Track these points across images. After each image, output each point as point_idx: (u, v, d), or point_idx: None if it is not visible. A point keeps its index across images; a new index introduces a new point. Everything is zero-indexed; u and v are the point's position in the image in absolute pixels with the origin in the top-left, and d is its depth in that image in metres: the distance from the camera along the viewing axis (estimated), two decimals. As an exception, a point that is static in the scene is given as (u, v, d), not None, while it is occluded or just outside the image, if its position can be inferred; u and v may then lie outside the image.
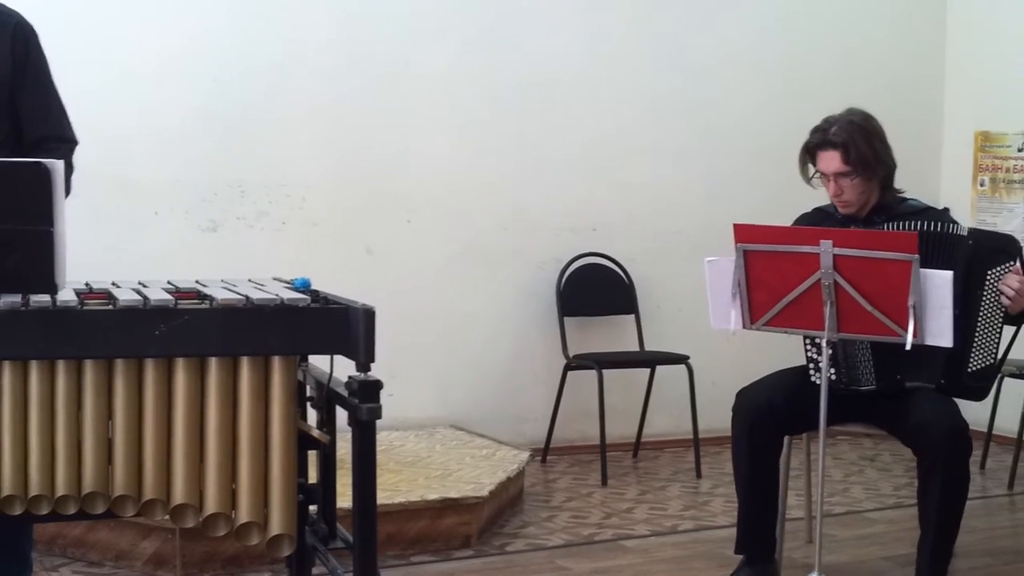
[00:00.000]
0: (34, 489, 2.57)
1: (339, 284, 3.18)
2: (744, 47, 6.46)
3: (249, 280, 3.07)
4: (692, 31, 6.35)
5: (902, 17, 6.86)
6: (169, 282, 2.99)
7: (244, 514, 2.66)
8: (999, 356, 3.89)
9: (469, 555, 4.46)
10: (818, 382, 3.72)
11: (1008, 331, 4.00)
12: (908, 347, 3.46)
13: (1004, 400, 5.53)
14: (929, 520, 3.79)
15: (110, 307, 2.60)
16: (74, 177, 3.38)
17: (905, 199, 4.04)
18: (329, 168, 5.62)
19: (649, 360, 5.98)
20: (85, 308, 2.58)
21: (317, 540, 2.96)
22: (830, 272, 3.49)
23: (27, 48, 3.41)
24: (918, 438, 3.80)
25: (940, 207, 4.15)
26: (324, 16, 5.59)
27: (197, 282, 3.02)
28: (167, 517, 2.67)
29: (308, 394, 2.98)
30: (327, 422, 2.91)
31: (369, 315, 2.65)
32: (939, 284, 3.44)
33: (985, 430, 5.84)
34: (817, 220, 4.06)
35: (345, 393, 2.70)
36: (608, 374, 5.64)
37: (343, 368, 2.74)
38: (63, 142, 3.45)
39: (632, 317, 6.15)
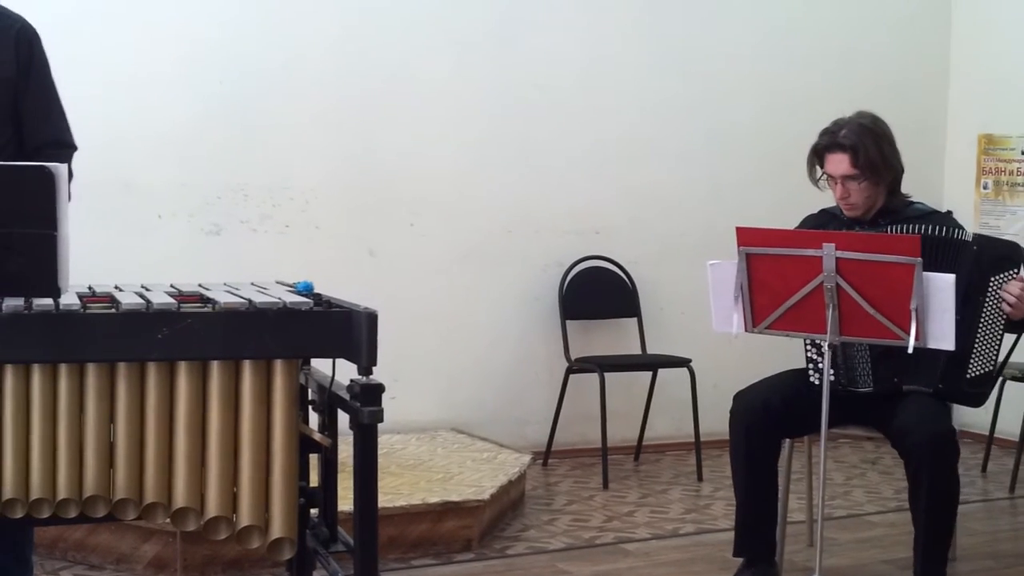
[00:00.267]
0: (35, 492, 2.57)
1: (342, 287, 3.18)
2: (747, 50, 6.46)
3: (252, 283, 3.07)
4: (695, 34, 6.35)
5: (906, 20, 6.86)
6: (172, 285, 2.99)
7: (245, 517, 2.66)
8: (998, 363, 3.89)
9: (470, 558, 4.46)
10: (818, 383, 3.71)
11: (1008, 338, 3.99)
12: (910, 350, 3.46)
13: (1005, 403, 5.53)
14: (920, 523, 3.79)
15: (113, 311, 2.60)
16: (78, 180, 3.38)
17: (911, 203, 4.04)
18: (332, 172, 5.63)
19: (651, 363, 5.99)
20: (88, 311, 2.58)
21: (318, 543, 2.96)
22: (832, 275, 3.49)
23: (30, 52, 3.41)
24: (902, 441, 3.81)
25: (943, 210, 4.15)
26: (328, 20, 5.60)
27: (200, 285, 3.02)
28: (168, 521, 2.67)
29: (310, 397, 2.98)
30: (329, 425, 2.92)
31: (371, 318, 2.65)
32: (941, 287, 3.44)
33: (986, 433, 5.85)
34: (823, 222, 4.06)
35: (347, 396, 2.70)
36: (610, 377, 5.64)
37: (345, 371, 2.75)
38: (63, 147, 3.45)
39: (634, 320, 6.15)
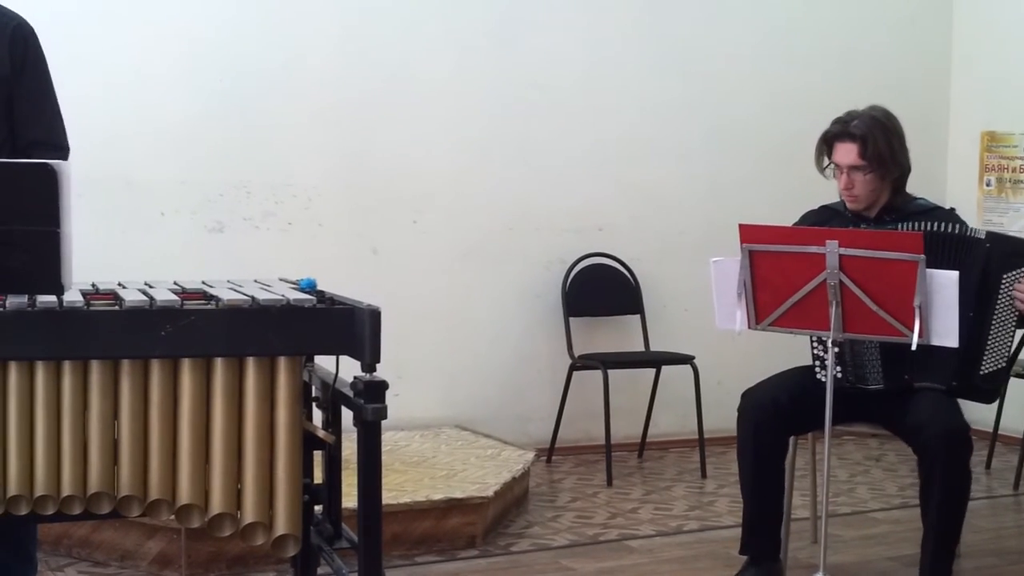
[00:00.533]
0: (40, 489, 2.58)
1: (345, 285, 3.19)
2: (748, 48, 6.45)
3: (255, 281, 3.07)
4: (696, 33, 6.34)
5: (907, 18, 6.85)
6: (175, 283, 3.00)
7: (249, 514, 2.67)
8: (1010, 359, 3.89)
9: (474, 555, 4.46)
10: (824, 380, 3.71)
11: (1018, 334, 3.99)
12: (914, 347, 3.46)
13: (1010, 401, 5.53)
14: (931, 520, 3.79)
15: (116, 308, 2.61)
16: (80, 177, 3.36)
17: (914, 199, 4.04)
18: (335, 169, 5.63)
19: (654, 360, 5.98)
20: (91, 309, 2.58)
21: (322, 540, 2.96)
22: (836, 272, 3.49)
23: (26, 50, 3.36)
24: (917, 438, 3.80)
25: (946, 207, 4.15)
26: (330, 18, 5.60)
27: (203, 283, 3.02)
28: (172, 517, 2.68)
29: (314, 394, 2.98)
30: (332, 422, 2.92)
31: (375, 316, 2.65)
32: (945, 284, 3.43)
33: (991, 430, 5.84)
34: (824, 218, 4.06)
35: (350, 393, 2.70)
36: (613, 374, 5.64)
37: (349, 368, 2.75)
38: (53, 148, 3.38)
39: (637, 317, 6.15)
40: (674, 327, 6.19)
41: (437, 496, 4.49)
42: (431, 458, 5.13)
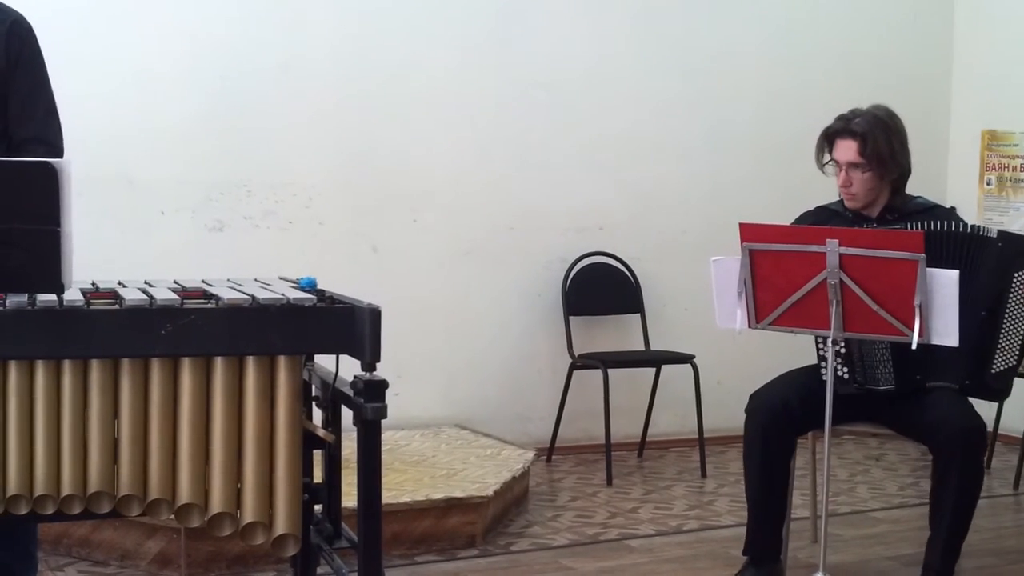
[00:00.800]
0: (40, 489, 2.58)
1: (345, 283, 3.19)
2: (749, 48, 6.45)
3: (255, 279, 3.07)
4: (697, 31, 6.34)
5: (908, 16, 6.85)
6: (175, 281, 3.00)
7: (249, 514, 2.66)
8: (1021, 357, 3.89)
9: (474, 554, 4.46)
10: (826, 379, 3.71)
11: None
12: (914, 346, 3.46)
13: (1010, 400, 5.49)
14: (943, 517, 3.78)
15: (116, 307, 2.60)
16: (81, 176, 3.36)
17: (913, 198, 4.03)
18: (335, 168, 5.63)
19: (654, 360, 5.98)
20: (91, 308, 2.58)
21: (322, 539, 2.96)
22: (836, 271, 3.49)
23: (22, 46, 3.34)
24: (935, 436, 3.80)
25: (947, 206, 4.15)
26: (330, 16, 5.59)
27: (203, 281, 3.02)
28: (172, 517, 2.67)
29: (314, 393, 2.98)
30: (332, 421, 2.92)
31: (375, 315, 2.65)
32: (945, 283, 3.43)
33: (991, 430, 5.83)
34: (822, 219, 4.05)
35: (350, 392, 2.70)
36: (613, 373, 5.64)
37: (349, 367, 2.75)
38: (46, 145, 3.36)
39: (638, 316, 6.15)
40: (674, 326, 6.19)
41: (437, 495, 4.49)
42: (431, 457, 5.13)
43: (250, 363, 2.65)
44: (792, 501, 4.19)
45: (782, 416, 3.92)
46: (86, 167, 3.53)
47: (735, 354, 5.83)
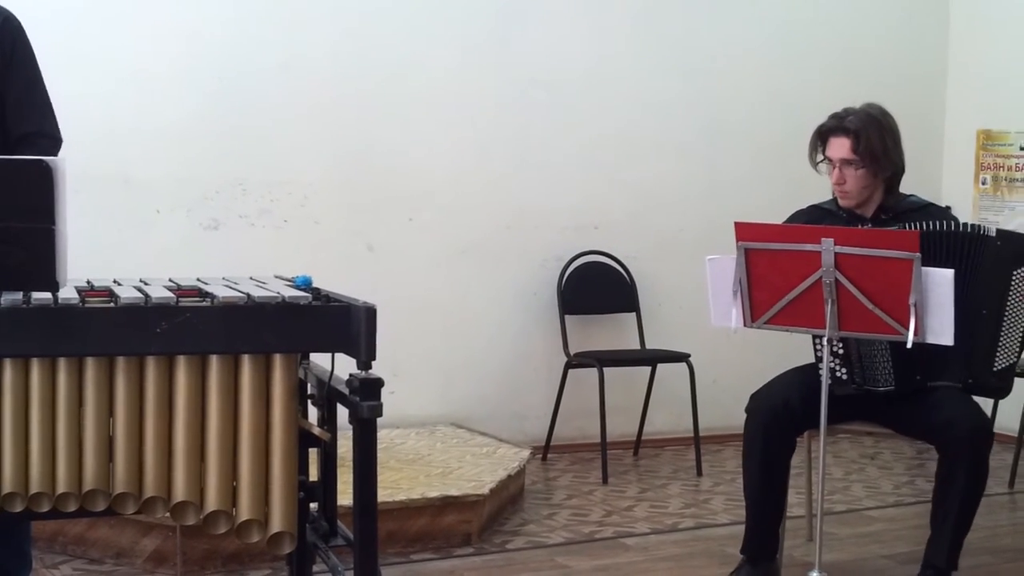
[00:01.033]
0: (35, 486, 2.57)
1: (341, 282, 3.18)
2: (746, 46, 6.46)
3: (251, 278, 3.07)
4: (694, 30, 6.35)
5: (904, 15, 6.86)
6: (171, 280, 3.00)
7: (245, 511, 2.66)
8: (1020, 353, 3.90)
9: (470, 553, 4.46)
10: (830, 382, 3.71)
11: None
12: (909, 345, 3.46)
13: (1006, 399, 5.50)
14: (948, 515, 3.78)
15: (111, 305, 2.60)
16: (76, 174, 3.36)
17: (907, 196, 4.04)
18: (331, 166, 5.63)
19: (650, 358, 5.99)
20: (86, 306, 2.58)
21: (318, 538, 2.96)
22: (831, 270, 3.49)
23: (13, 43, 3.36)
24: (944, 435, 3.79)
25: (943, 205, 4.15)
26: (327, 15, 5.59)
27: (199, 280, 3.02)
28: (168, 515, 2.67)
29: (309, 392, 2.98)
30: (328, 420, 2.92)
31: (370, 313, 2.65)
32: (940, 282, 3.44)
33: (987, 429, 5.84)
34: (816, 218, 4.05)
35: (346, 391, 2.70)
36: (609, 372, 5.64)
37: (344, 366, 2.75)
38: (45, 138, 3.41)
39: (633, 315, 6.15)
40: (670, 325, 6.19)
41: (433, 494, 4.49)
42: (427, 456, 5.13)
43: (246, 361, 2.65)
44: (787, 500, 4.19)
45: (783, 416, 3.92)
46: (82, 165, 3.54)
47: (731, 353, 5.84)
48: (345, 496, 2.81)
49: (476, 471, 4.86)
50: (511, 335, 6.02)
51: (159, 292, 2.72)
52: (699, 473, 5.74)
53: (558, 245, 6.07)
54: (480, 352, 5.94)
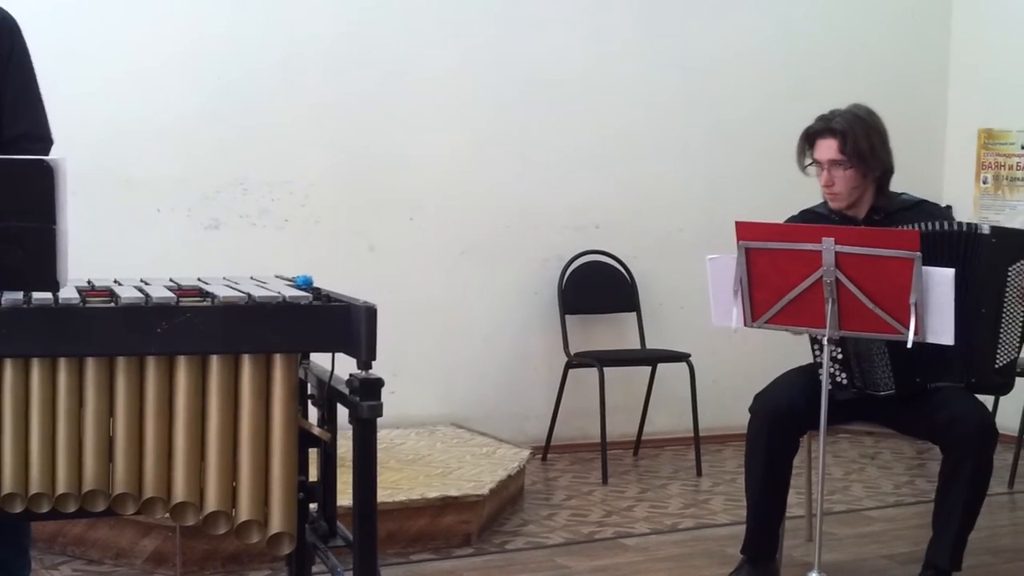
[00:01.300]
0: (35, 487, 2.57)
1: (341, 282, 3.18)
2: (747, 45, 6.46)
3: (251, 278, 3.07)
4: (695, 29, 6.35)
5: (905, 14, 6.86)
6: (171, 280, 2.99)
7: (244, 512, 2.66)
8: (1020, 348, 3.90)
9: (469, 553, 4.46)
10: (831, 386, 3.71)
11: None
12: (909, 344, 3.46)
13: (1005, 399, 5.50)
14: (953, 514, 3.78)
15: (112, 305, 2.60)
16: (77, 174, 3.36)
17: (899, 195, 4.04)
18: (332, 166, 5.62)
19: (650, 358, 5.98)
20: (87, 306, 2.57)
21: (317, 538, 2.96)
22: (832, 270, 3.49)
23: (11, 43, 3.35)
24: (949, 434, 3.79)
25: (943, 204, 4.15)
26: (328, 14, 5.59)
27: (199, 280, 3.02)
28: (167, 515, 2.67)
29: (309, 392, 2.98)
30: (328, 420, 2.91)
31: (371, 313, 2.64)
32: (941, 281, 3.44)
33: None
34: (808, 221, 4.04)
35: (346, 391, 2.70)
36: (609, 372, 5.64)
37: (344, 366, 2.74)
38: (38, 140, 3.39)
39: (634, 315, 6.15)
40: (670, 325, 6.19)
41: (432, 494, 4.49)
42: (427, 456, 5.13)
43: (246, 361, 2.64)
44: (787, 500, 4.19)
45: (788, 416, 3.92)
46: (83, 165, 3.54)
47: (731, 353, 5.84)
48: (345, 496, 2.81)
49: (476, 471, 4.85)
50: (511, 335, 6.01)
51: (160, 292, 2.71)
52: (699, 473, 5.74)
53: (558, 245, 6.07)
54: (480, 352, 5.94)
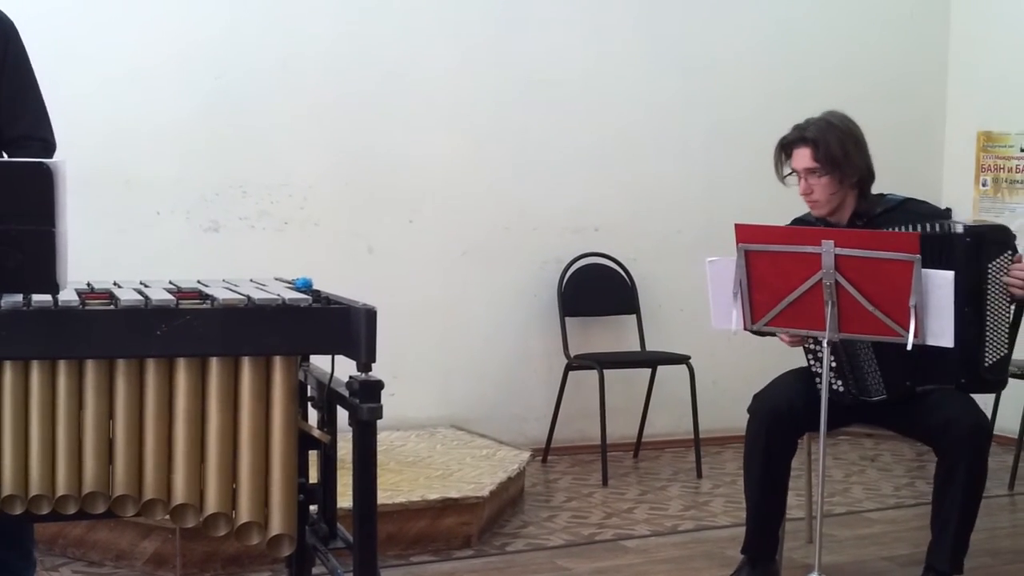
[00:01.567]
0: (35, 489, 2.57)
1: (341, 284, 3.18)
2: (746, 47, 6.46)
3: (251, 280, 3.07)
4: (694, 30, 6.35)
5: (905, 17, 6.86)
6: (171, 282, 2.99)
7: (244, 514, 2.66)
8: (1011, 343, 3.89)
9: (469, 555, 4.46)
10: (829, 387, 3.71)
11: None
12: (909, 347, 3.46)
13: (1005, 400, 5.53)
14: (950, 517, 3.78)
15: (112, 307, 2.60)
16: (76, 176, 3.35)
17: (883, 197, 4.03)
18: (331, 168, 5.62)
19: (650, 360, 5.98)
20: (87, 308, 2.58)
21: (317, 540, 2.96)
22: (831, 272, 3.49)
23: (7, 45, 3.35)
24: (943, 436, 3.79)
25: (942, 207, 4.14)
26: (327, 15, 5.59)
27: (199, 282, 3.02)
28: (167, 517, 2.67)
29: (309, 394, 2.98)
30: (328, 422, 2.92)
31: (370, 315, 2.65)
32: (940, 284, 3.44)
33: (986, 430, 5.83)
34: None
35: (346, 393, 2.70)
36: (609, 374, 5.64)
37: (344, 368, 2.75)
38: (38, 141, 3.40)
39: (633, 317, 6.15)
40: (670, 327, 6.19)
41: (432, 496, 4.49)
42: (427, 458, 5.13)
43: (246, 363, 2.65)
44: (787, 501, 4.19)
45: (786, 417, 3.92)
46: (81, 168, 3.54)
47: (731, 355, 5.84)
48: (345, 498, 2.81)
49: (476, 473, 4.85)
50: (511, 337, 6.01)
51: (159, 294, 2.72)
52: (699, 475, 5.74)
53: (558, 247, 6.07)
54: (480, 354, 5.93)
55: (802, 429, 4.04)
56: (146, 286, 2.89)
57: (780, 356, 4.34)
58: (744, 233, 3.62)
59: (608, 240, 6.16)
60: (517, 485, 5.09)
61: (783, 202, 4.36)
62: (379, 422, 2.68)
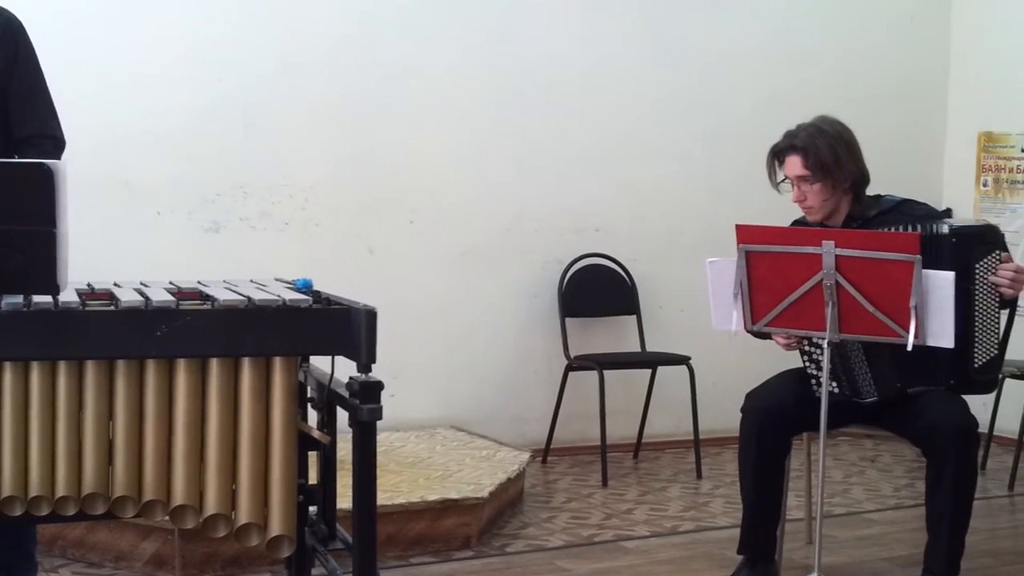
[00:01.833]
0: (34, 490, 2.57)
1: (341, 285, 3.18)
2: (747, 48, 6.46)
3: (251, 281, 3.07)
4: (695, 31, 6.35)
5: (905, 17, 6.86)
6: (171, 283, 2.99)
7: (244, 515, 2.66)
8: (1001, 344, 3.89)
9: (469, 556, 4.46)
10: (819, 394, 3.71)
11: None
12: (909, 347, 3.46)
13: (1005, 401, 5.53)
14: (943, 520, 3.77)
15: (112, 308, 2.60)
16: (77, 177, 3.35)
17: (879, 197, 4.03)
18: (332, 169, 5.63)
19: (650, 361, 5.98)
20: (87, 309, 2.58)
21: (317, 541, 2.96)
22: (832, 273, 3.50)
23: (16, 45, 3.38)
24: (930, 439, 3.79)
25: (943, 207, 4.13)
26: (328, 17, 5.59)
27: (199, 283, 3.02)
28: (167, 518, 2.67)
29: (309, 395, 2.98)
30: (328, 423, 2.92)
31: (371, 316, 2.65)
32: (940, 285, 3.44)
33: (986, 431, 5.84)
34: None
35: (346, 394, 2.70)
36: (609, 375, 5.64)
37: (344, 369, 2.75)
38: (48, 140, 3.43)
39: (634, 318, 6.15)
40: (670, 328, 6.19)
41: (432, 497, 4.49)
42: (426, 459, 5.13)
43: (246, 364, 2.64)
44: (787, 502, 4.20)
45: (777, 417, 3.93)
46: (82, 168, 3.53)
47: (731, 356, 5.83)
48: (344, 499, 2.81)
49: (476, 474, 4.85)
50: (511, 338, 6.02)
51: (159, 295, 2.72)
52: (699, 476, 5.74)
53: (558, 247, 6.07)
54: (480, 355, 5.94)
55: (795, 428, 4.04)
56: (146, 286, 2.89)
57: (780, 357, 4.34)
58: (745, 234, 3.62)
59: (608, 241, 6.16)
60: (517, 486, 5.09)
61: (783, 203, 4.35)
62: (379, 423, 2.68)
